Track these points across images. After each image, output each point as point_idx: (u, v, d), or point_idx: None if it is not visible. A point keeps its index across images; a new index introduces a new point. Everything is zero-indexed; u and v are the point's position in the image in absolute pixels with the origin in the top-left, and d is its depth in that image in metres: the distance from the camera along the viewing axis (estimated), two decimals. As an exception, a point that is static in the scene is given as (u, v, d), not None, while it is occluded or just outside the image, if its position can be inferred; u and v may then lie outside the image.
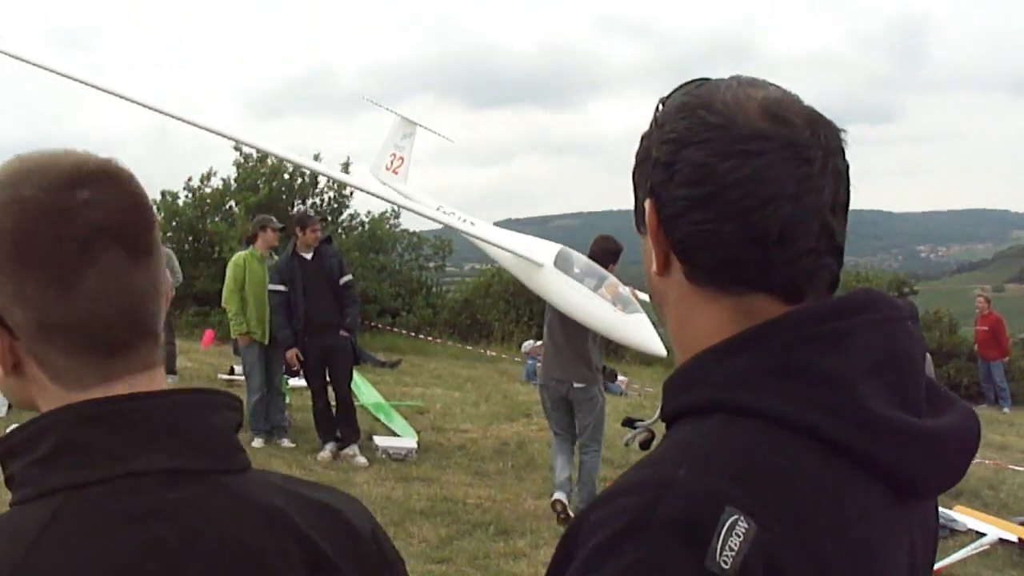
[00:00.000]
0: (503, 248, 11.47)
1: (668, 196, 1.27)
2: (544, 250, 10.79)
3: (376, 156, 17.84)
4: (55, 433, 1.22)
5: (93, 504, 1.18)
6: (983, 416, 17.66)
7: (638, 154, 1.36)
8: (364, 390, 13.73)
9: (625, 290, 9.84)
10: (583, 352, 8.90)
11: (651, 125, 1.34)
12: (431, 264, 29.57)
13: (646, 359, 24.07)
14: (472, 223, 12.96)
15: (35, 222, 1.20)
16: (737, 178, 1.21)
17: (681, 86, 1.35)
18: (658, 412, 1.33)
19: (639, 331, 9.80)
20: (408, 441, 11.46)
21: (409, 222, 29.39)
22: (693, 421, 1.22)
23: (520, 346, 21.29)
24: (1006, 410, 19.98)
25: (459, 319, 26.75)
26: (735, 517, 1.06)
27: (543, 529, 8.56)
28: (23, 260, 1.20)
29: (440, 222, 13.60)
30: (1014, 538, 9.06)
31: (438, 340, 23.81)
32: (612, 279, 9.67)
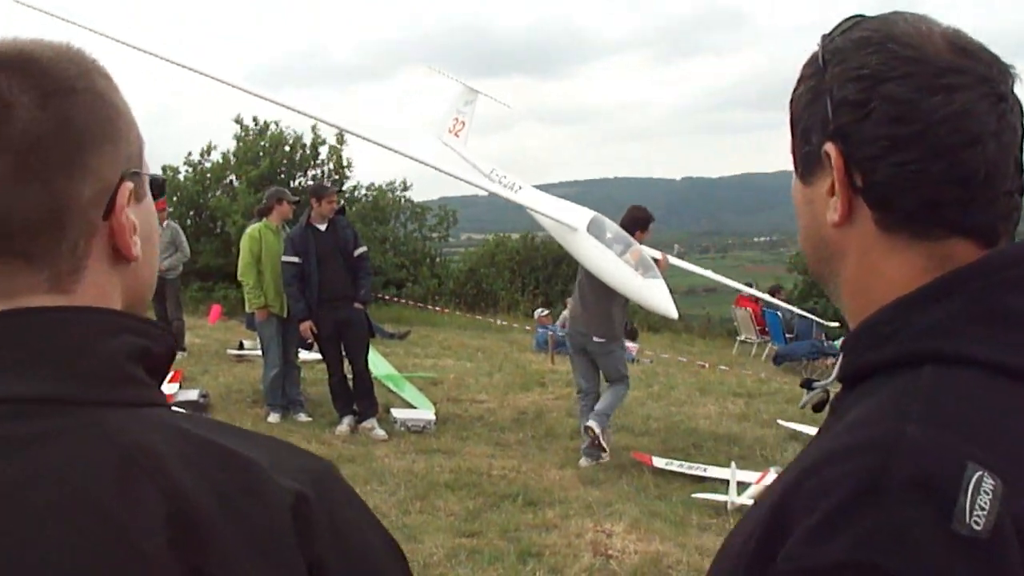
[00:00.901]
0: (544, 215, 11.98)
1: (864, 136, 1.16)
2: (579, 216, 11.22)
3: (439, 122, 18.62)
4: None
5: None
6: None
7: (802, 96, 1.26)
8: (377, 362, 13.61)
9: (648, 257, 10.38)
10: (607, 310, 9.79)
11: (817, 63, 1.24)
12: (435, 234, 29.46)
13: (655, 325, 24.08)
14: (519, 187, 13.72)
15: None
16: (946, 114, 1.12)
17: (841, 23, 1.25)
18: (836, 372, 1.24)
19: (655, 294, 10.31)
20: (426, 413, 11.35)
21: (413, 193, 29.35)
22: (897, 376, 1.12)
23: (528, 315, 21.22)
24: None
25: (464, 289, 26.73)
26: (980, 473, 0.97)
27: (571, 500, 8.44)
28: None
29: (485, 189, 14.48)
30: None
31: (445, 310, 23.70)
32: (637, 246, 10.21)
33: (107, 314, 1.10)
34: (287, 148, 27.68)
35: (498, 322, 22.20)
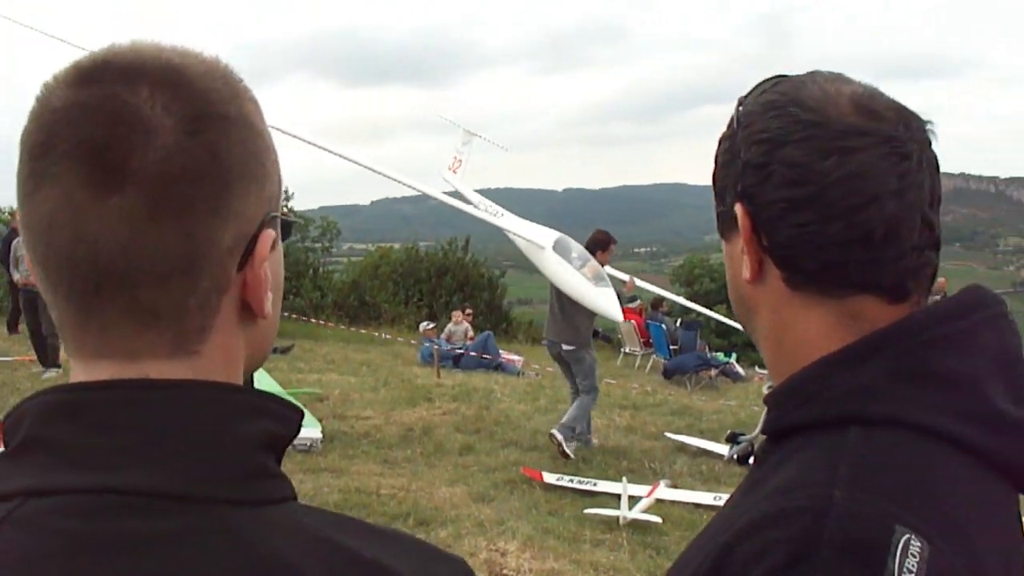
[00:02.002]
0: (520, 236, 13.56)
1: (764, 199, 1.20)
2: (547, 236, 12.81)
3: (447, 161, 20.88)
4: (27, 421, 0.91)
5: (33, 519, 0.85)
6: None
7: (719, 157, 1.30)
8: (260, 378, 13.32)
9: (601, 270, 11.59)
10: (574, 321, 10.95)
11: (732, 126, 1.28)
12: (317, 246, 29.16)
13: (538, 338, 24.11)
14: (501, 214, 15.50)
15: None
16: (840, 176, 1.15)
17: (759, 85, 1.29)
18: (760, 426, 1.26)
19: (605, 300, 11.35)
20: (312, 431, 11.12)
21: (294, 203, 29.05)
22: (821, 436, 1.14)
23: (412, 328, 21.10)
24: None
25: (348, 301, 26.44)
26: (907, 536, 0.99)
27: (463, 518, 8.34)
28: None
29: (474, 215, 16.41)
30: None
31: (328, 324, 23.39)
32: (594, 262, 11.52)
33: (240, 393, 0.96)
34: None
35: (382, 335, 22.00)
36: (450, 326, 20.27)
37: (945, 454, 1.10)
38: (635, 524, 8.31)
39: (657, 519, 8.37)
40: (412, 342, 20.34)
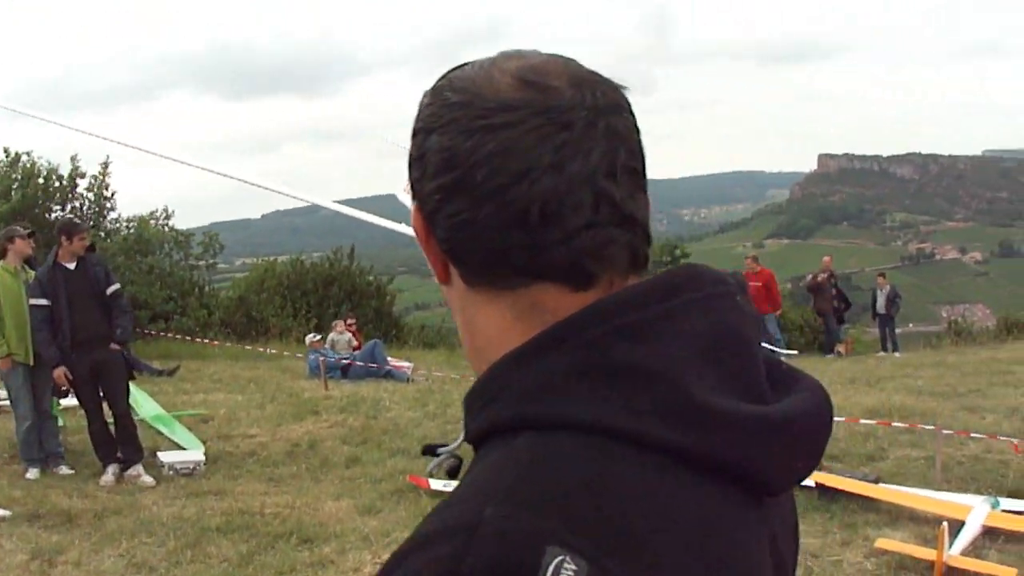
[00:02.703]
0: None
1: (424, 192, 1.12)
2: None
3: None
4: None
5: None
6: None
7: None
8: (143, 402, 13.16)
9: None
10: None
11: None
12: (201, 263, 28.65)
13: (430, 341, 24.04)
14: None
15: None
16: (481, 156, 1.05)
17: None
18: (462, 435, 1.14)
19: None
20: (195, 453, 10.96)
21: (176, 220, 28.60)
22: (500, 443, 1.03)
23: (300, 341, 20.87)
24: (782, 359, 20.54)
25: (235, 318, 26.06)
26: (560, 558, 0.88)
27: (348, 532, 8.23)
28: None
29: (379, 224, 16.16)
30: (811, 483, 9.27)
31: (215, 342, 23.04)
32: None
33: None
34: (41, 180, 26.45)
35: (269, 350, 21.73)
36: (332, 336, 20.08)
37: (632, 459, 0.98)
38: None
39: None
40: (299, 355, 20.10)
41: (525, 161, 1.04)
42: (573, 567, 0.88)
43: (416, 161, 1.13)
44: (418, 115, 1.14)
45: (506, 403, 1.04)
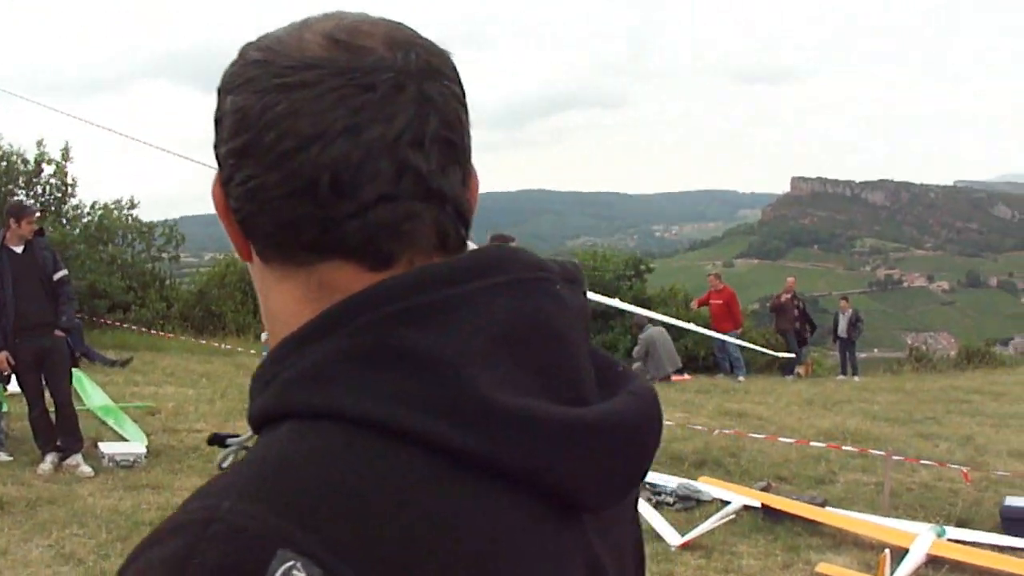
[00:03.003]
0: None
1: (220, 157, 1.01)
2: None
3: None
4: None
5: None
6: (720, 386, 18.44)
7: None
8: (91, 392, 12.96)
9: None
10: None
11: None
12: (164, 255, 28.39)
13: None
14: None
15: None
16: (271, 117, 0.95)
17: None
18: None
19: None
20: (136, 446, 10.76)
21: (147, 213, 28.32)
22: (267, 433, 0.93)
23: (258, 338, 20.72)
24: (741, 379, 20.61)
25: (193, 312, 25.85)
26: (290, 564, 0.79)
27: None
28: None
29: None
30: (757, 504, 9.24)
31: (171, 335, 22.80)
32: None
33: None
34: (4, 164, 26.18)
35: (225, 346, 21.54)
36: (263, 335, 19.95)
37: (401, 458, 0.87)
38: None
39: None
40: (253, 352, 19.95)
41: (317, 124, 0.94)
42: (303, 574, 0.79)
43: (216, 124, 1.02)
44: (222, 75, 1.03)
45: (275, 390, 0.93)
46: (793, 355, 21.87)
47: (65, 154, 26.66)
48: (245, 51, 1.01)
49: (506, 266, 0.97)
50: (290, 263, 0.99)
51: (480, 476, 0.88)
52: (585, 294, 1.04)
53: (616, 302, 18.74)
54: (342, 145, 0.93)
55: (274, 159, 0.94)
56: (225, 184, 1.01)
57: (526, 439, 0.89)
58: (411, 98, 0.96)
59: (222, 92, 1.01)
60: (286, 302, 1.01)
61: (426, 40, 1.02)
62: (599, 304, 25.50)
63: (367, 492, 0.85)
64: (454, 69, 1.02)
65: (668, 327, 20.68)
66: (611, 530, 1.04)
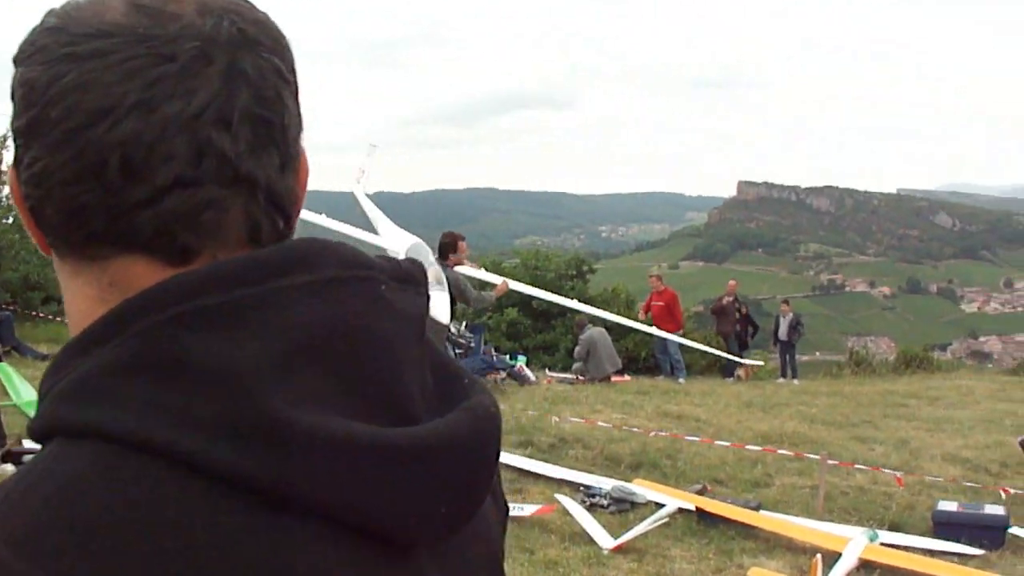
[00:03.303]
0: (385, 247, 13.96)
1: (11, 137, 0.88)
2: (403, 243, 13.25)
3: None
4: None
5: None
6: (659, 387, 18.41)
7: None
8: (20, 388, 12.69)
9: (442, 277, 11.65)
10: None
11: None
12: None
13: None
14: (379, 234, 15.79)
15: None
16: (57, 91, 0.82)
17: None
18: None
19: (435, 304, 11.57)
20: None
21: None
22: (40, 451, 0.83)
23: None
24: (681, 380, 20.59)
25: (132, 304, 25.55)
26: None
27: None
28: None
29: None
30: (691, 507, 9.19)
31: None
32: (435, 267, 11.63)
33: None
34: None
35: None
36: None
37: (172, 485, 0.76)
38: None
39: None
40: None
41: (106, 98, 0.81)
42: None
43: (9, 100, 0.89)
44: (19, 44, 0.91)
45: (47, 404, 0.82)
46: (749, 360, 21.97)
47: (2, 141, 26.24)
48: (45, 17, 0.89)
49: (316, 262, 0.85)
50: (82, 257, 0.87)
51: (271, 506, 0.77)
52: (423, 295, 0.93)
53: (575, 303, 18.83)
54: (133, 122, 0.81)
55: (59, 138, 0.83)
56: (16, 167, 0.88)
57: (323, 464, 0.78)
58: (218, 71, 0.84)
59: (15, 63, 0.88)
60: (80, 302, 0.89)
61: (248, 6, 0.90)
62: (543, 303, 25.53)
63: (113, 523, 0.74)
64: (278, 40, 0.90)
65: (609, 327, 20.66)
66: (457, 555, 0.93)
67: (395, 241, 13.50)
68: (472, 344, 19.32)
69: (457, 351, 18.51)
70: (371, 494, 0.79)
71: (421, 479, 0.81)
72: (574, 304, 20.44)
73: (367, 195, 19.61)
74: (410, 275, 0.92)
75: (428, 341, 0.92)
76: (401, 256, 12.28)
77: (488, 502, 0.93)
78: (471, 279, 13.22)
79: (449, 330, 12.52)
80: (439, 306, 11.34)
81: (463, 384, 0.93)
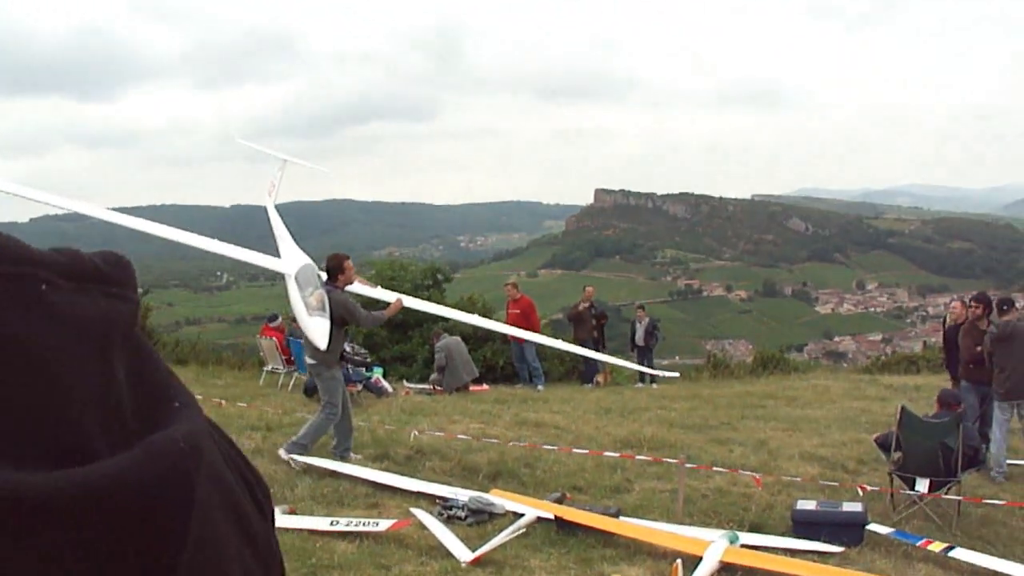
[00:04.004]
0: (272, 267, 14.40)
1: None
2: (294, 264, 13.20)
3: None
4: None
5: None
6: (518, 396, 18.25)
7: None
8: None
9: (325, 302, 11.99)
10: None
11: None
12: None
13: (182, 358, 23.09)
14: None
15: None
16: None
17: None
18: None
19: (313, 328, 11.81)
20: None
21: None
22: None
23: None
24: (540, 388, 20.48)
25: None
26: None
27: None
28: None
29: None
30: (551, 516, 9.01)
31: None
32: (320, 291, 12.08)
33: None
34: None
35: None
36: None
37: None
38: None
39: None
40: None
41: None
42: None
43: None
44: None
45: None
46: (661, 371, 22.05)
47: None
48: None
49: None
50: None
51: None
52: (118, 297, 0.71)
53: (476, 319, 18.66)
54: None
55: None
56: None
57: None
58: None
59: None
60: None
61: None
62: (396, 315, 25.17)
63: None
64: None
65: (467, 338, 20.53)
66: None
67: (288, 262, 13.54)
68: (368, 359, 19.09)
69: (356, 368, 18.14)
70: None
71: (56, 538, 0.60)
72: (483, 322, 20.36)
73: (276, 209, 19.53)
74: (95, 273, 0.70)
75: (133, 353, 0.70)
76: (291, 274, 11.76)
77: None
78: (360, 297, 13.77)
79: (344, 350, 12.71)
80: (318, 331, 11.73)
81: (172, 408, 0.71)
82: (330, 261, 12.69)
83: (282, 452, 11.47)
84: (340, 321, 11.94)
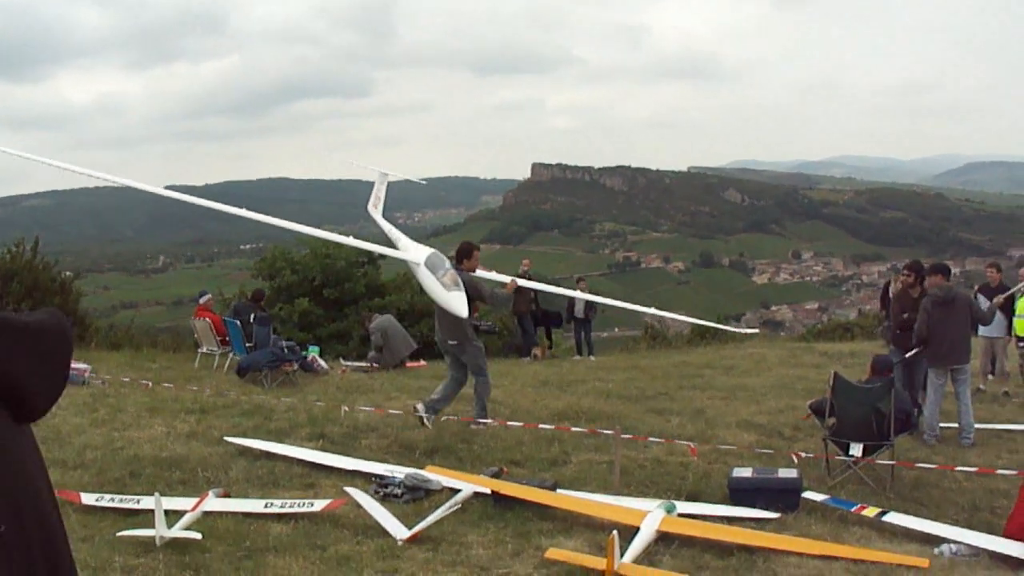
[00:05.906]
0: (406, 259, 14.83)
1: None
2: (421, 254, 14.03)
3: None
4: None
5: None
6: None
7: None
8: None
9: (458, 280, 12.98)
10: (457, 321, 12.67)
11: None
12: None
13: (116, 343, 22.79)
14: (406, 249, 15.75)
15: None
16: None
17: None
18: None
19: (453, 300, 12.66)
20: None
21: None
22: None
23: None
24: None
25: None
26: None
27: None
28: None
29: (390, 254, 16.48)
30: (487, 491, 8.98)
31: None
32: (452, 272, 13.11)
33: None
34: None
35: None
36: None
37: None
38: (174, 543, 7.59)
39: (197, 535, 7.67)
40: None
41: None
42: None
43: None
44: None
45: None
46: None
47: None
48: None
49: None
50: None
51: None
52: None
53: (579, 294, 19.35)
54: None
55: None
56: None
57: None
58: None
59: None
60: None
61: None
62: (333, 293, 25.04)
63: None
64: None
65: (404, 314, 20.55)
66: None
67: (415, 253, 14.42)
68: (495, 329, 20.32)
69: (248, 344, 17.97)
70: None
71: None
72: (577, 294, 21.63)
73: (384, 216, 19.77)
74: None
75: None
76: (422, 263, 13.42)
77: None
78: (485, 279, 14.97)
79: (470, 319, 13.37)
80: (458, 302, 12.60)
81: None
82: (460, 248, 14.05)
83: (419, 406, 12.50)
84: (468, 298, 12.80)
